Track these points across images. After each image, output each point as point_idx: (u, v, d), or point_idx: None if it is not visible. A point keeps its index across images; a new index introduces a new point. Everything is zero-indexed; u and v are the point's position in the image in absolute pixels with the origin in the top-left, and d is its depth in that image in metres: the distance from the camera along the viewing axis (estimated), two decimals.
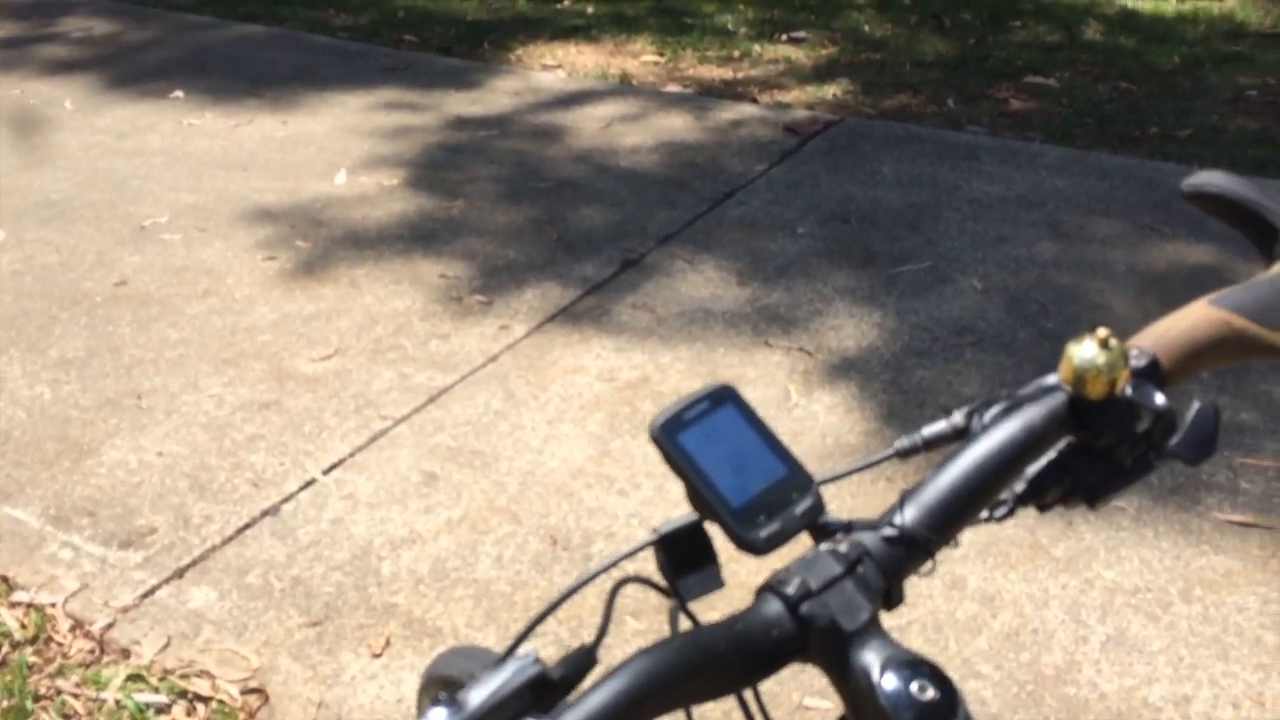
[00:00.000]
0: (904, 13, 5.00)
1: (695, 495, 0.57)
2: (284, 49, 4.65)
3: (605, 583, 1.85)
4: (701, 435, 0.57)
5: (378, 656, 1.74)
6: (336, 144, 3.67)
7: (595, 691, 0.49)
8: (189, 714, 1.65)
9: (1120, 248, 2.85)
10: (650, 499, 2.05)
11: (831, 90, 4.08)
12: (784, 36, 4.69)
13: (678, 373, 2.41)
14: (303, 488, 2.11)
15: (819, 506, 0.58)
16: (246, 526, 2.02)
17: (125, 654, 1.76)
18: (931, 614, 1.79)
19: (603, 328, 2.59)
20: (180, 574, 1.91)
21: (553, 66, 4.41)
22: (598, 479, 2.11)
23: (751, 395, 2.32)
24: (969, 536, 1.95)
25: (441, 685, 1.05)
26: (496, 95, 4.06)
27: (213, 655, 1.75)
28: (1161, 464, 0.62)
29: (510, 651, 0.57)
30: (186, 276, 2.87)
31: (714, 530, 0.59)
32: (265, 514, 2.05)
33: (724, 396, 0.59)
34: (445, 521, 2.02)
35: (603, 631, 0.55)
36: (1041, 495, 0.63)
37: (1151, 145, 3.52)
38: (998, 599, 1.82)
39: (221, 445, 2.23)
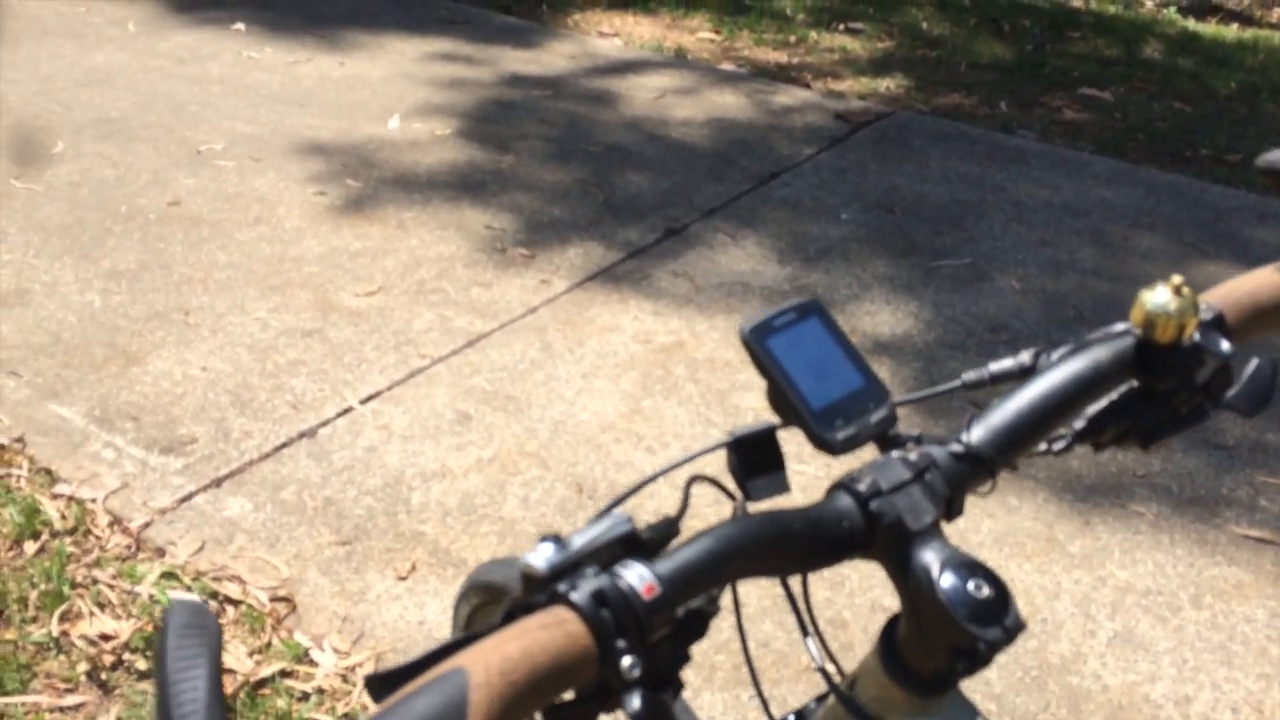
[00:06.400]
0: (963, 13, 5.00)
1: (777, 396, 0.60)
2: None
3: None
4: (788, 342, 0.61)
5: (403, 579, 1.79)
6: (392, 89, 3.71)
7: (688, 547, 0.53)
8: (219, 615, 1.70)
9: (1162, 262, 2.87)
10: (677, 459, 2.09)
11: (885, 83, 4.09)
12: (841, 26, 4.70)
13: (713, 341, 2.45)
14: (340, 414, 2.16)
15: (892, 418, 0.61)
16: (284, 445, 2.07)
17: (160, 553, 1.81)
18: None
19: (642, 291, 2.63)
20: (218, 483, 1.97)
21: (609, 34, 4.43)
22: (627, 434, 2.15)
23: None
24: (986, 525, 1.98)
25: (483, 592, 1.09)
26: (552, 57, 4.09)
27: (244, 562, 1.80)
28: (1216, 413, 0.66)
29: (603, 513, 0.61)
30: (239, 203, 2.92)
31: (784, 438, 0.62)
32: (302, 435, 2.10)
33: (811, 309, 0.62)
34: (476, 460, 2.06)
35: (683, 511, 0.59)
36: (1099, 434, 0.66)
37: (1201, 166, 3.53)
38: (1010, 586, 1.85)
39: (264, 366, 2.28)
